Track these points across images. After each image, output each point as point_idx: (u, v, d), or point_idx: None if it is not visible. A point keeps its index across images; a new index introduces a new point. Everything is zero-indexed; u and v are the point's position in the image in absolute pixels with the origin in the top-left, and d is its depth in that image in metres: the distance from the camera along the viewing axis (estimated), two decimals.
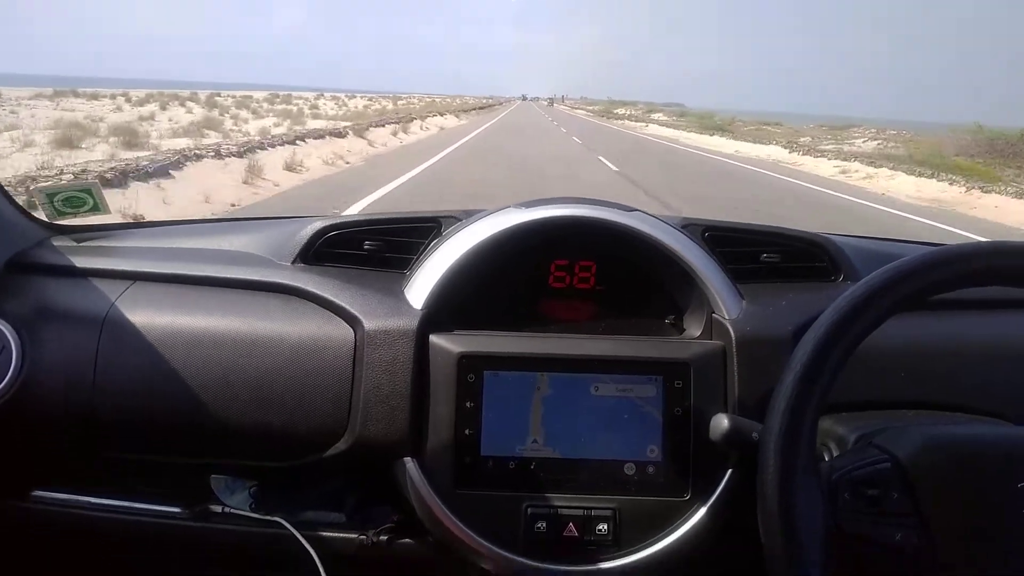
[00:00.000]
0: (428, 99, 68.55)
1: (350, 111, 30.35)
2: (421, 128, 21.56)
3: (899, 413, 0.77)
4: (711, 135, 26.50)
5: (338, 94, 65.27)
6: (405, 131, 18.70)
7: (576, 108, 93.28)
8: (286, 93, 47.56)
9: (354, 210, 6.47)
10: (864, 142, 28.54)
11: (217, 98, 35.10)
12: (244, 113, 24.15)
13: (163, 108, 24.73)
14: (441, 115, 30.39)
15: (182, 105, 27.14)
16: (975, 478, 0.57)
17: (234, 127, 17.11)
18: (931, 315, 0.87)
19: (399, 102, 49.72)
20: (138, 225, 1.09)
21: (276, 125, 18.66)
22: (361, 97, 59.26)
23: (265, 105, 30.87)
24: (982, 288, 0.58)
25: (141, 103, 26.83)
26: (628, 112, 69.53)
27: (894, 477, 0.58)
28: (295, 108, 29.28)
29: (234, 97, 37.01)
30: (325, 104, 38.16)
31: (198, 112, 22.95)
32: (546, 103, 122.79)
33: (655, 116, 55.89)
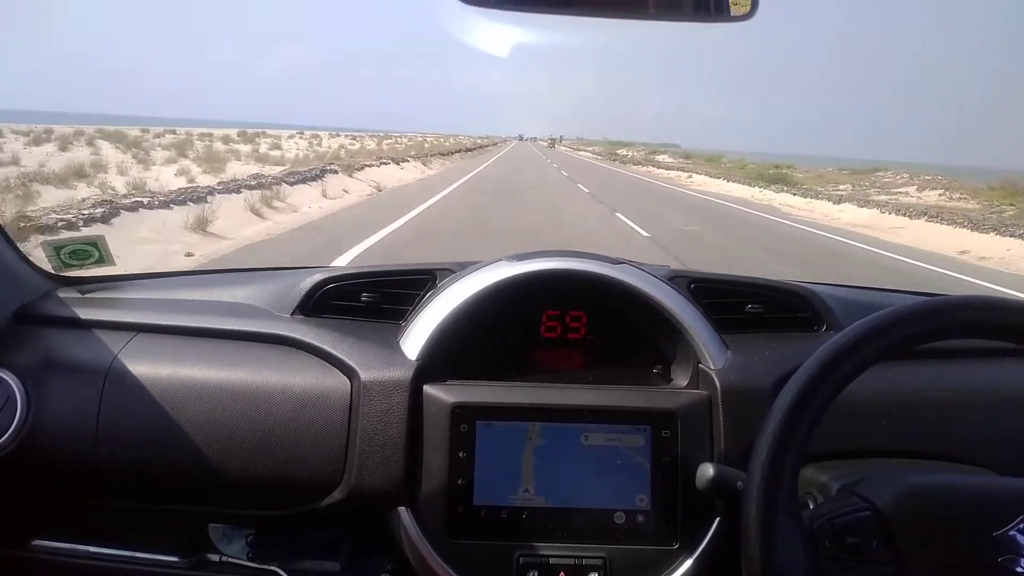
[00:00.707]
0: (420, 139, 72.31)
1: (315, 152, 27.94)
2: (323, 195, 13.07)
3: (882, 462, 0.91)
4: (830, 202, 18.14)
5: (323, 132, 69.08)
6: (269, 204, 10.70)
7: (579, 150, 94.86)
8: (255, 131, 47.99)
9: None
10: (918, 191, 24.81)
11: (171, 135, 34.27)
12: (161, 155, 21.68)
13: (63, 149, 22.41)
14: (397, 163, 23.57)
15: (90, 144, 24.83)
16: (953, 527, 0.67)
17: (117, 176, 13.74)
18: (913, 364, 1.02)
19: (385, 142, 49.75)
20: (141, 276, 1.24)
21: (180, 174, 15.07)
22: (347, 136, 62.36)
23: (218, 144, 28.83)
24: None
25: (39, 142, 24.80)
26: (631, 153, 70.53)
27: (874, 525, 0.67)
28: (248, 148, 27.96)
29: (188, 134, 35.98)
30: (296, 144, 37.41)
31: (106, 153, 20.78)
32: (546, 144, 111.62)
33: (660, 158, 56.75)
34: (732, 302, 1.06)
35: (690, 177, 31.69)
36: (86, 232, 8.17)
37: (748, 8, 0.84)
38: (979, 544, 0.65)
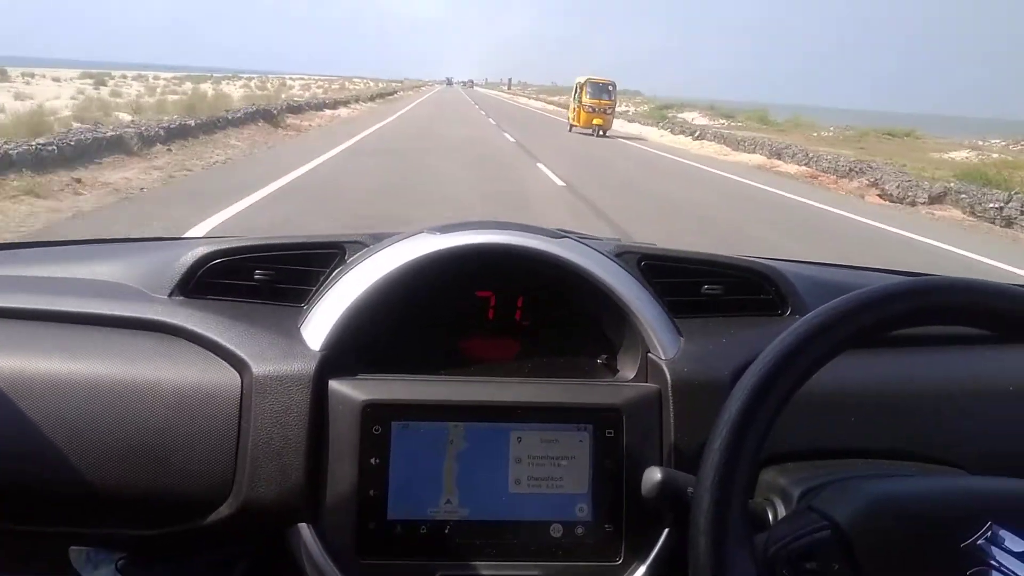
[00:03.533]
0: (311, 81, 77.03)
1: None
2: None
3: (849, 463, 1.12)
4: None
5: (166, 74, 73.24)
6: None
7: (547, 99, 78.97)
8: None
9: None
10: None
11: None
12: None
13: None
14: None
15: None
16: (918, 541, 0.81)
17: None
18: (883, 353, 1.25)
19: (226, 83, 51.28)
20: None
21: None
22: (179, 77, 64.71)
23: None
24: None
25: None
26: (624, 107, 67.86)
27: (834, 545, 0.81)
28: None
29: None
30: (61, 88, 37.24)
31: None
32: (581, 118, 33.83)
33: (686, 117, 47.41)
34: (687, 282, 1.29)
35: None
36: None
37: None
38: (947, 558, 0.79)
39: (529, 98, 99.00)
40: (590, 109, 31.42)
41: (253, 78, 76.26)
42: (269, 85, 58.95)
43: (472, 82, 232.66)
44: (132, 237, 1.49)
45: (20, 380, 1.08)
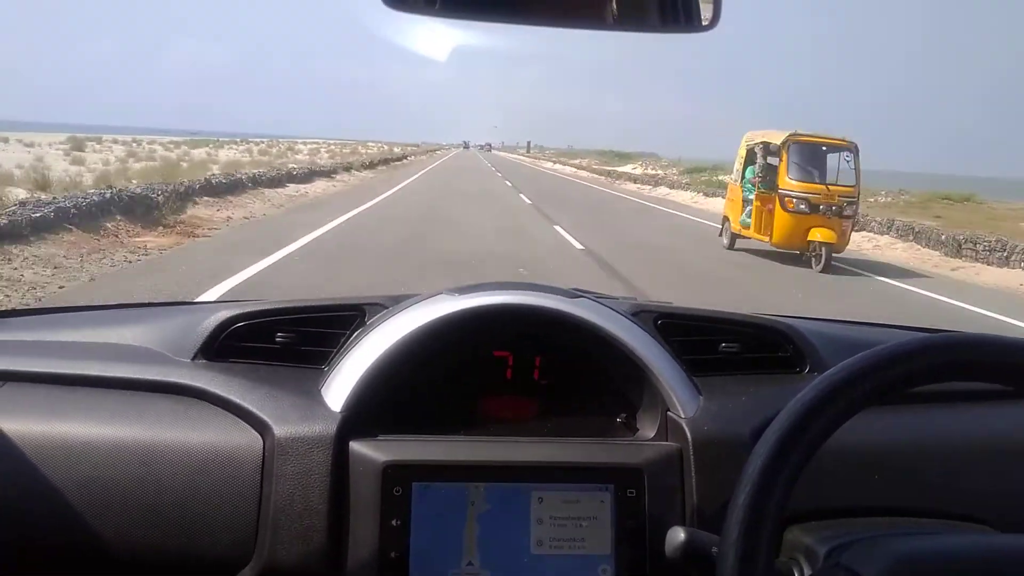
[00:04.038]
0: (322, 145, 79.44)
1: None
2: None
3: (874, 521, 1.15)
4: None
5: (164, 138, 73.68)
6: None
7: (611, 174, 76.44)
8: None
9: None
10: None
11: None
12: None
13: None
14: None
15: None
16: None
17: None
18: (905, 410, 1.29)
19: (229, 148, 51.20)
20: (11, 314, 1.43)
21: None
22: (176, 141, 64.52)
23: None
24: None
25: None
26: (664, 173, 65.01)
27: None
28: None
29: None
30: None
31: None
32: None
33: (722, 179, 49.35)
34: (704, 340, 1.34)
35: None
36: None
37: (711, 19, 1.16)
38: None
39: (552, 162, 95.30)
40: (801, 205, 14.60)
41: (261, 142, 76.24)
42: (274, 150, 58.19)
43: (490, 145, 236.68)
44: (156, 302, 1.56)
45: (45, 444, 1.14)
